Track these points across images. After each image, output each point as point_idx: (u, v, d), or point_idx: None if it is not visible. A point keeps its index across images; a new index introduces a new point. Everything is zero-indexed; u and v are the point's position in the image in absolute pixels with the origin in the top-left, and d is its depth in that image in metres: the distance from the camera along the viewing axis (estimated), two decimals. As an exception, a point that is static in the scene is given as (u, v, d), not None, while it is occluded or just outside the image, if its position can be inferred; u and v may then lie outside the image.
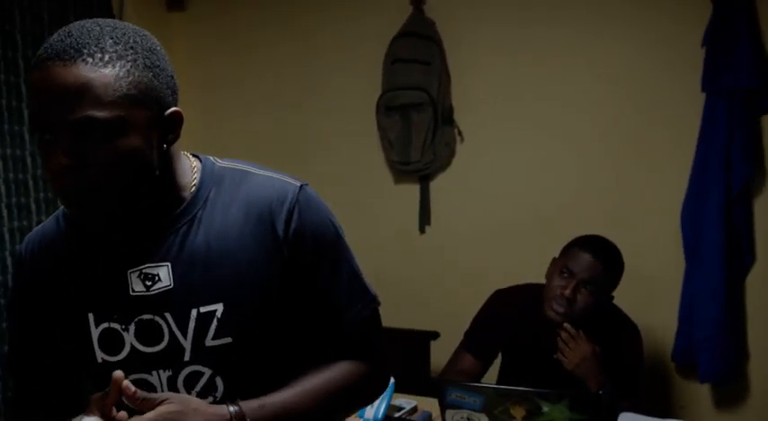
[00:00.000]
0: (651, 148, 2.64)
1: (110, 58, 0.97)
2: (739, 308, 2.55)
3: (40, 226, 1.20)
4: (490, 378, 2.44)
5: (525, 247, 2.81)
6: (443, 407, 1.81)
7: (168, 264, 1.09)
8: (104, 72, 0.96)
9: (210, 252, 1.09)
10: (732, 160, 2.44)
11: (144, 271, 1.09)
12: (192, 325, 1.08)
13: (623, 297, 2.32)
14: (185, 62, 3.35)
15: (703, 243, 2.51)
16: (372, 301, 1.20)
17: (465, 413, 1.79)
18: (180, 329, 1.08)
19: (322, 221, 1.15)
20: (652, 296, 2.65)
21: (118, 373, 1.01)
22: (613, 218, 2.66)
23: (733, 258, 2.50)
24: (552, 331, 2.19)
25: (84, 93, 0.94)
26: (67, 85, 0.94)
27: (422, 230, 3.00)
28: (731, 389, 2.62)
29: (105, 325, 1.10)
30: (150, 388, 1.10)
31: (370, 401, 1.29)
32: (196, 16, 3.32)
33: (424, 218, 2.99)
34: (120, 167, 0.99)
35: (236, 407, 1.05)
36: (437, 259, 2.98)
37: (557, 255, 2.27)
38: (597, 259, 2.15)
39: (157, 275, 1.08)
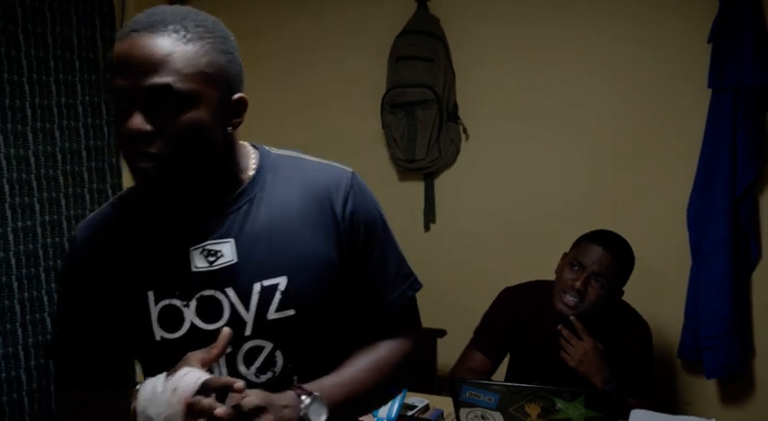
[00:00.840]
0: (657, 145, 2.64)
1: (192, 36, 1.04)
2: (745, 304, 2.56)
3: (94, 213, 1.24)
4: (499, 375, 2.44)
5: (531, 244, 2.81)
6: (458, 405, 1.81)
7: (232, 240, 1.13)
8: (186, 47, 1.03)
9: (273, 229, 1.14)
10: (738, 157, 2.44)
11: (207, 247, 1.13)
12: (255, 298, 1.12)
13: (630, 293, 2.33)
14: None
15: (709, 239, 2.51)
16: (415, 283, 1.29)
17: (479, 411, 1.79)
18: (243, 303, 1.12)
19: (373, 206, 1.23)
20: (658, 292, 2.65)
21: (226, 330, 1.06)
22: (619, 214, 2.67)
23: (739, 255, 2.50)
24: (559, 328, 2.19)
25: (167, 62, 1.01)
26: (152, 52, 1.01)
27: (427, 228, 3.00)
28: (737, 384, 2.62)
29: (166, 302, 1.13)
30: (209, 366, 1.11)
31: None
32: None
33: (429, 215, 2.98)
34: (188, 139, 1.04)
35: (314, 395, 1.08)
36: (443, 257, 2.97)
37: (567, 251, 2.27)
38: (608, 252, 2.17)
39: (220, 251, 1.12)
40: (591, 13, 2.67)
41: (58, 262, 2.85)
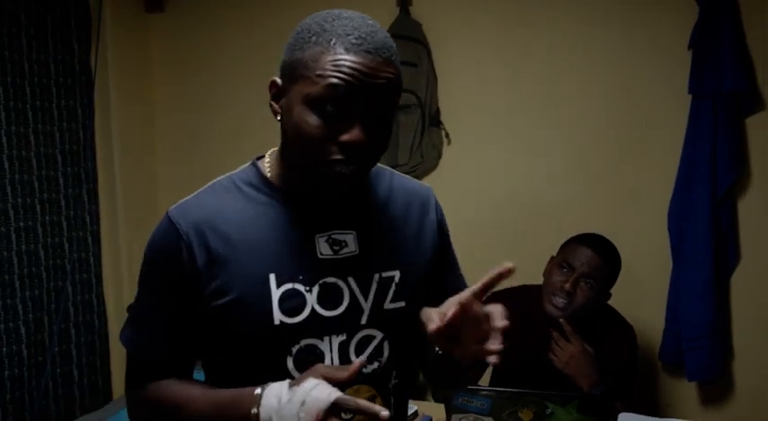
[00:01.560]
0: (638, 149, 2.66)
1: (397, 60, 1.11)
2: (725, 307, 2.59)
3: (189, 201, 1.19)
4: (483, 380, 2.44)
5: (515, 249, 2.81)
6: (450, 411, 1.80)
7: (354, 231, 1.20)
8: (399, 74, 1.10)
9: (385, 226, 1.24)
10: (718, 161, 2.48)
11: (332, 236, 1.18)
12: (374, 288, 1.19)
13: (612, 296, 2.34)
14: (164, 63, 3.29)
15: (690, 243, 2.54)
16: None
17: (471, 417, 1.78)
18: (362, 292, 1.18)
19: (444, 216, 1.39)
20: (640, 295, 2.67)
21: (362, 359, 1.13)
22: (601, 217, 2.68)
23: (719, 258, 2.54)
24: (548, 332, 2.19)
25: (395, 94, 1.10)
26: (389, 84, 1.07)
27: (409, 233, 2.99)
28: (716, 387, 2.65)
29: (289, 286, 1.14)
30: (319, 354, 1.16)
31: None
32: (175, 17, 3.26)
33: (411, 220, 2.97)
34: (384, 149, 1.14)
35: None
36: (424, 262, 2.96)
37: (553, 254, 2.28)
38: (598, 254, 2.18)
39: (344, 241, 1.19)
40: (573, 17, 2.69)
41: (33, 269, 2.80)
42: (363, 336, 1.18)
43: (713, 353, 2.53)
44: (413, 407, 2.11)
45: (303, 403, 1.00)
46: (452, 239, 2.89)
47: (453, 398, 1.78)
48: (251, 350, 1.15)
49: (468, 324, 1.06)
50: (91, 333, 3.05)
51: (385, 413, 0.98)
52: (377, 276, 1.20)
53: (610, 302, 2.32)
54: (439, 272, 1.32)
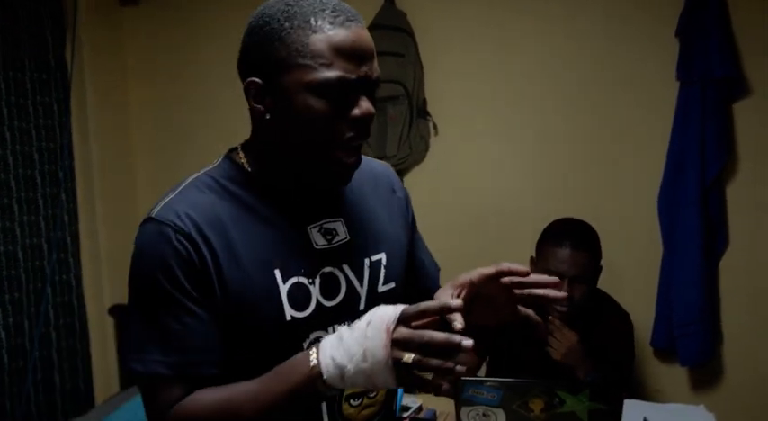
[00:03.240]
0: (627, 137, 2.67)
1: None
2: (714, 291, 2.62)
3: (174, 200, 1.10)
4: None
5: (503, 240, 2.81)
6: (459, 403, 1.78)
7: (341, 219, 1.20)
8: None
9: (365, 210, 1.24)
10: (707, 148, 2.49)
11: (324, 226, 1.17)
12: (366, 272, 1.19)
13: (603, 282, 2.34)
14: (139, 58, 3.22)
15: (680, 229, 2.55)
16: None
17: (481, 409, 1.76)
18: (357, 278, 1.18)
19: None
20: (631, 281, 2.68)
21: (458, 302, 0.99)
22: (591, 206, 2.68)
23: (708, 243, 2.55)
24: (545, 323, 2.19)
25: (374, 53, 1.08)
26: (371, 45, 1.07)
27: (397, 226, 2.96)
28: (706, 371, 2.67)
29: (294, 280, 1.12)
30: None
31: None
32: (149, 11, 3.19)
33: (399, 213, 2.94)
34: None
35: None
36: (414, 254, 2.94)
37: (533, 254, 2.25)
38: (577, 250, 2.13)
39: (335, 229, 1.18)
40: (559, 6, 2.68)
41: (12, 271, 2.71)
42: None
43: (704, 337, 2.55)
44: (416, 401, 2.09)
45: (369, 322, 0.96)
46: (440, 229, 2.90)
47: (462, 391, 1.76)
48: (263, 348, 1.10)
49: (479, 300, 1.13)
50: (72, 336, 2.97)
51: (457, 302, 0.96)
52: (367, 261, 1.20)
53: (605, 289, 2.33)
54: (411, 250, 1.34)
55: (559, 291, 2.06)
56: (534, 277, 1.13)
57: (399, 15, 2.79)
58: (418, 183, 2.93)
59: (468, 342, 0.92)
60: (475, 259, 2.79)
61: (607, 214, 2.68)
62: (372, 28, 2.76)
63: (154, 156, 3.20)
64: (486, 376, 2.39)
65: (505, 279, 1.12)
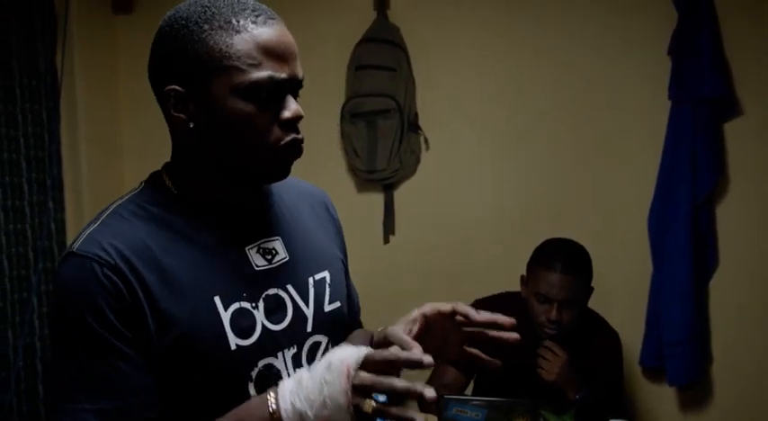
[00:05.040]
0: (619, 154, 2.67)
1: None
2: (704, 311, 2.60)
3: (97, 231, 1.02)
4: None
5: (494, 254, 2.79)
6: (442, 422, 1.76)
7: (279, 237, 1.14)
8: None
9: (303, 228, 1.19)
10: (698, 166, 2.49)
11: (262, 245, 1.11)
12: (311, 292, 1.13)
13: (592, 300, 2.33)
14: (131, 66, 3.20)
15: (670, 247, 2.55)
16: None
17: (465, 428, 1.75)
18: (302, 298, 1.12)
19: None
20: (620, 299, 2.67)
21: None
22: (581, 223, 2.67)
23: (698, 262, 2.55)
24: (532, 341, 2.17)
25: (297, 52, 1.06)
26: (295, 45, 1.05)
27: (386, 240, 2.95)
28: (696, 391, 2.66)
29: (236, 305, 1.05)
30: (276, 373, 1.07)
31: None
32: (143, 19, 3.17)
33: (389, 227, 2.93)
34: None
35: None
36: (402, 270, 2.93)
37: (524, 272, 2.24)
38: (567, 274, 2.11)
39: (274, 248, 1.12)
40: (552, 23, 2.69)
41: (-2, 280, 2.69)
42: (312, 344, 1.12)
43: (693, 357, 2.54)
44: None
45: (329, 365, 0.91)
46: (429, 244, 2.89)
47: (446, 409, 1.74)
48: (208, 382, 1.02)
49: (432, 334, 1.10)
50: (56, 346, 2.94)
51: (428, 359, 0.91)
52: (311, 280, 1.14)
53: (594, 307, 2.31)
54: (346, 274, 1.31)
55: (549, 315, 2.06)
56: (487, 316, 1.10)
57: (392, 29, 2.79)
58: (408, 198, 2.92)
59: (430, 393, 0.87)
60: (465, 274, 2.81)
61: (597, 231, 2.67)
62: (365, 41, 2.78)
63: (144, 165, 3.16)
64: (472, 394, 2.37)
65: (459, 317, 1.11)
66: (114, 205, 1.07)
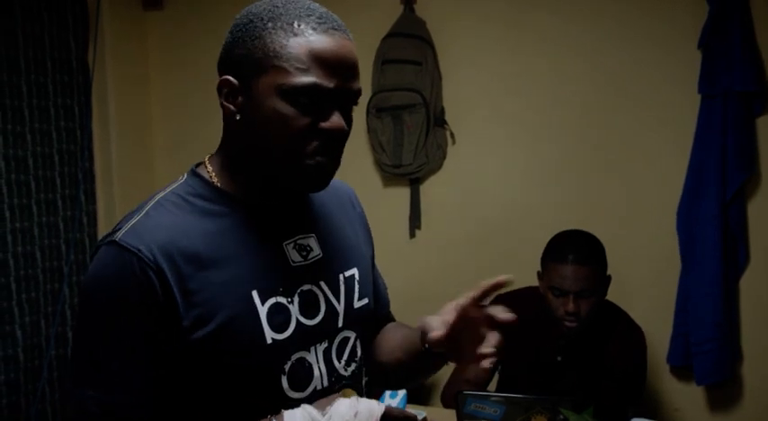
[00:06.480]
0: (647, 150, 2.63)
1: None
2: (734, 309, 2.56)
3: (139, 222, 1.03)
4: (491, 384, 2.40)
5: (519, 250, 2.77)
6: (461, 417, 1.76)
7: (313, 234, 1.15)
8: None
9: (333, 225, 1.20)
10: (728, 162, 2.44)
11: (298, 242, 1.13)
12: (342, 289, 1.16)
13: (620, 298, 2.31)
14: (162, 61, 3.25)
15: (699, 245, 2.51)
16: None
17: (483, 424, 1.74)
18: (334, 295, 1.14)
19: None
20: (648, 297, 2.64)
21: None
22: (609, 219, 2.65)
23: (728, 260, 2.50)
24: (554, 334, 2.16)
25: (358, 68, 1.05)
26: (355, 58, 1.04)
27: (412, 235, 2.95)
28: (725, 390, 2.62)
29: (273, 300, 1.06)
30: (308, 367, 1.09)
31: None
32: (173, 15, 3.22)
33: (415, 222, 2.93)
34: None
35: None
36: (428, 264, 2.93)
37: (539, 269, 2.22)
38: (580, 265, 2.08)
39: (309, 245, 1.14)
40: (580, 17, 2.65)
41: (29, 271, 2.74)
42: (341, 339, 1.15)
43: (722, 356, 2.50)
44: (421, 412, 2.07)
45: (356, 414, 0.96)
46: (455, 238, 2.88)
47: (464, 405, 1.74)
48: (242, 376, 1.04)
49: (466, 329, 1.06)
50: (88, 336, 3.00)
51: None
52: (341, 277, 1.16)
53: (621, 304, 2.29)
54: (373, 268, 1.32)
55: (566, 307, 2.04)
56: (491, 310, 1.07)
57: (419, 23, 2.78)
58: (434, 192, 2.91)
59: None
60: (490, 268, 2.79)
61: (625, 228, 2.64)
62: (391, 36, 2.77)
63: (174, 158, 3.22)
64: (495, 390, 2.36)
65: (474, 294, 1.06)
66: (158, 196, 1.08)
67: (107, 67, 3.01)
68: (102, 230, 3.05)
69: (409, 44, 2.74)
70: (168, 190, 1.10)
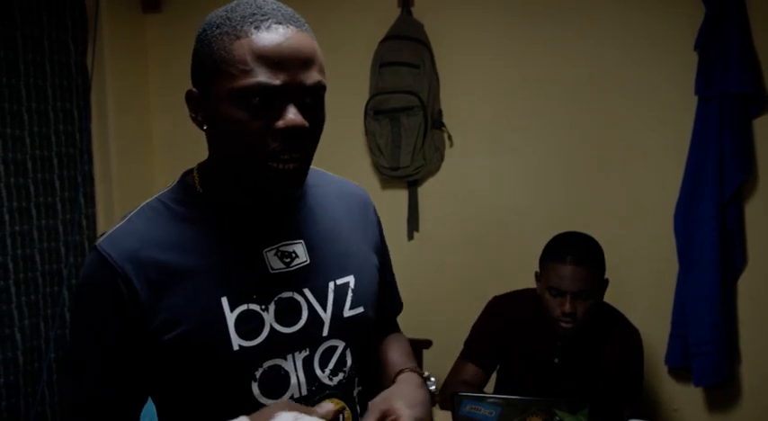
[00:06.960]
0: (645, 152, 2.63)
1: (311, 31, 1.04)
2: (732, 310, 2.56)
3: (119, 230, 1.07)
4: (489, 386, 2.40)
5: (517, 252, 2.78)
6: (456, 419, 1.76)
7: (302, 241, 1.13)
8: (317, 47, 1.04)
9: (333, 231, 1.18)
10: (725, 164, 2.45)
11: (281, 248, 1.11)
12: (331, 297, 1.13)
13: (617, 300, 2.31)
14: (161, 64, 3.25)
15: (696, 246, 2.51)
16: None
17: (479, 425, 1.75)
18: (319, 303, 1.12)
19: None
20: (645, 298, 2.64)
21: (329, 406, 1.03)
22: (607, 220, 2.65)
23: (726, 261, 2.50)
24: (551, 336, 2.16)
25: (316, 59, 1.01)
26: (307, 50, 1.00)
27: (410, 237, 2.95)
28: (724, 391, 2.62)
29: (243, 307, 1.06)
30: (283, 373, 1.09)
31: None
32: (172, 18, 3.22)
33: (413, 224, 2.94)
34: (319, 136, 1.05)
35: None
36: (427, 266, 2.93)
37: (537, 270, 2.23)
38: (579, 265, 2.08)
39: (294, 252, 1.12)
40: (577, 19, 2.66)
41: (29, 274, 2.75)
42: (326, 348, 1.13)
43: (720, 357, 2.50)
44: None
45: None
46: (453, 240, 2.89)
47: (460, 406, 1.74)
48: (211, 380, 1.06)
49: None
50: (87, 339, 3.00)
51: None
52: (332, 284, 1.14)
53: (615, 306, 2.29)
54: (382, 275, 1.28)
55: (563, 308, 2.05)
56: None
57: (416, 26, 2.78)
58: (432, 195, 2.92)
59: None
60: (488, 270, 2.80)
61: (623, 229, 2.65)
62: (389, 38, 2.78)
63: (173, 162, 3.22)
64: (493, 391, 2.37)
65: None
66: (144, 203, 1.12)
67: (106, 71, 3.01)
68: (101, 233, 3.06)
69: (407, 47, 2.75)
70: (155, 196, 1.13)
